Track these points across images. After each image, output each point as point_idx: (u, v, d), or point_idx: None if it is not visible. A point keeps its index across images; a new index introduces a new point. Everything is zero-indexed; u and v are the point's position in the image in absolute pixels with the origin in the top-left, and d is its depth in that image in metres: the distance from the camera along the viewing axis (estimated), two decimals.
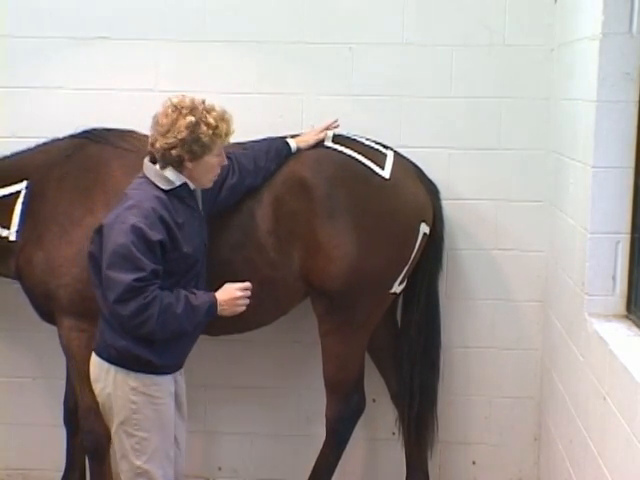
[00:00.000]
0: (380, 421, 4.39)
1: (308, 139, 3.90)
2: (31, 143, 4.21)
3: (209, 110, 3.28)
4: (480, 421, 4.49)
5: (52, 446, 4.47)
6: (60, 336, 3.84)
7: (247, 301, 3.35)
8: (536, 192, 4.29)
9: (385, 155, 3.92)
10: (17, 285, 4.09)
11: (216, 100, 4.23)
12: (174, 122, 3.23)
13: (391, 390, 4.23)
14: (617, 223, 3.38)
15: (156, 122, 3.29)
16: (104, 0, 4.30)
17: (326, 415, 4.04)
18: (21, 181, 3.90)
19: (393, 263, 3.85)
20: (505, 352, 4.43)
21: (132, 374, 3.27)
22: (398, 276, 3.86)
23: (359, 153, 3.83)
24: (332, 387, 3.98)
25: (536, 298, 4.37)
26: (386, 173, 3.84)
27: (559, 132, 4.06)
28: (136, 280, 3.10)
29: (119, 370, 3.28)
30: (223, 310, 3.30)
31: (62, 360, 4.34)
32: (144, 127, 4.03)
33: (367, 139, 3.96)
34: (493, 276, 4.37)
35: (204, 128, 3.24)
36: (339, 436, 4.06)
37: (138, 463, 3.32)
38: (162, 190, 3.28)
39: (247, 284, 3.35)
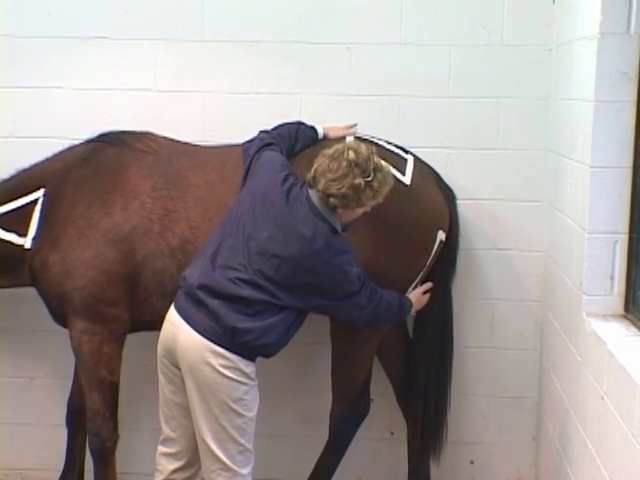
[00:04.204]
0: (378, 421, 4.39)
1: (337, 130, 3.94)
2: (29, 143, 4.24)
3: (377, 169, 3.38)
4: (478, 421, 4.49)
5: (51, 446, 4.47)
6: (71, 338, 3.82)
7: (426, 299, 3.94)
8: (534, 192, 4.29)
9: (406, 160, 3.91)
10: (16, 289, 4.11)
11: (214, 100, 4.30)
12: (343, 176, 3.33)
13: (397, 392, 4.22)
14: (615, 223, 3.38)
15: (328, 162, 3.38)
16: (102, 0, 4.30)
17: (330, 417, 4.04)
18: (38, 189, 3.88)
19: (409, 269, 3.84)
20: (503, 352, 4.43)
21: (246, 362, 3.44)
22: (413, 282, 3.87)
23: (380, 158, 3.81)
24: (339, 389, 3.98)
25: (534, 298, 4.37)
26: (407, 179, 3.83)
27: (557, 132, 4.06)
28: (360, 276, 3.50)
29: (238, 358, 3.41)
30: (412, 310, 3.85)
31: (60, 360, 4.36)
32: (143, 127, 4.08)
33: (388, 142, 3.95)
34: (491, 276, 4.37)
35: (367, 191, 3.36)
36: (342, 438, 4.07)
37: (242, 441, 3.49)
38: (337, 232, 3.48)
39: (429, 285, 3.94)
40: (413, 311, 3.85)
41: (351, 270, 3.44)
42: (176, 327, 3.45)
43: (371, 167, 3.37)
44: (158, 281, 3.77)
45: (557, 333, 3.95)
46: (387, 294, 3.63)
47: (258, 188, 3.51)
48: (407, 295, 3.82)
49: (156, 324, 3.65)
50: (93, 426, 3.86)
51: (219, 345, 3.39)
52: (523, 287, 4.38)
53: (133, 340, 3.96)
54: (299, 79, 4.29)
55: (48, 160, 3.99)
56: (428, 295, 3.94)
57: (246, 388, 3.44)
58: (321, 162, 3.41)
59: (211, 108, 4.32)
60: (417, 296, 3.87)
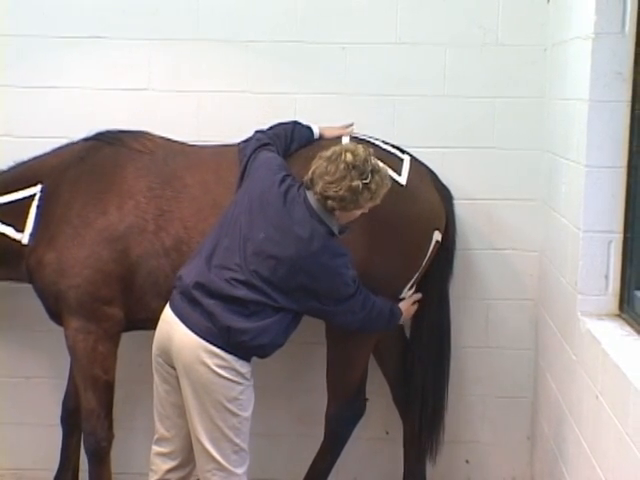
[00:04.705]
0: (374, 420, 4.39)
1: (333, 129, 3.95)
2: (25, 142, 4.23)
3: (374, 171, 3.39)
4: (473, 420, 4.50)
5: (46, 446, 4.46)
6: (66, 337, 3.83)
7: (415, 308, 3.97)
8: (529, 191, 4.29)
9: (402, 160, 3.90)
10: (11, 285, 4.10)
11: (210, 99, 4.30)
12: (341, 179, 3.34)
13: (394, 392, 4.22)
14: (610, 222, 3.39)
15: (326, 164, 3.38)
16: (98, 0, 4.29)
17: (326, 417, 4.03)
18: (36, 184, 3.89)
19: (404, 270, 3.84)
20: (498, 351, 4.43)
21: (242, 362, 3.44)
22: (408, 283, 3.86)
23: (376, 158, 3.79)
24: (335, 390, 3.98)
25: (529, 297, 4.38)
26: (402, 179, 3.82)
27: (552, 131, 4.07)
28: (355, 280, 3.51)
29: (234, 358, 3.41)
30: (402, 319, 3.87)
31: (56, 360, 4.36)
32: (138, 126, 4.08)
33: (384, 142, 3.95)
34: (486, 275, 4.37)
35: (365, 193, 3.37)
36: (338, 438, 4.07)
37: (237, 441, 3.48)
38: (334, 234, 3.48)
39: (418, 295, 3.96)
40: (401, 320, 3.85)
41: (347, 273, 3.45)
42: (171, 326, 3.45)
43: (369, 169, 3.37)
44: (153, 281, 3.77)
45: (552, 332, 3.95)
46: (380, 301, 3.64)
47: (255, 189, 3.51)
48: (398, 304, 3.83)
49: (151, 323, 3.66)
50: (88, 425, 3.86)
51: (214, 345, 3.38)
52: (518, 286, 4.38)
53: (128, 339, 3.96)
54: (294, 79, 4.29)
55: (46, 155, 4.00)
56: (416, 306, 3.95)
57: (241, 388, 3.44)
58: (318, 164, 3.40)
59: (206, 108, 4.32)
60: (406, 306, 3.88)
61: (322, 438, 4.10)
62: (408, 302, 3.90)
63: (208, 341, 3.38)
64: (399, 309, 3.80)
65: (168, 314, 3.48)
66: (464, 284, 4.35)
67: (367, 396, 4.11)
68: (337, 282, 3.44)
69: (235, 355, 3.40)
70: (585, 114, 3.37)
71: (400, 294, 3.86)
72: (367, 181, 3.35)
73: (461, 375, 4.41)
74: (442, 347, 4.14)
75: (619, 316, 3.39)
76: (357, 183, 3.33)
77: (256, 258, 3.39)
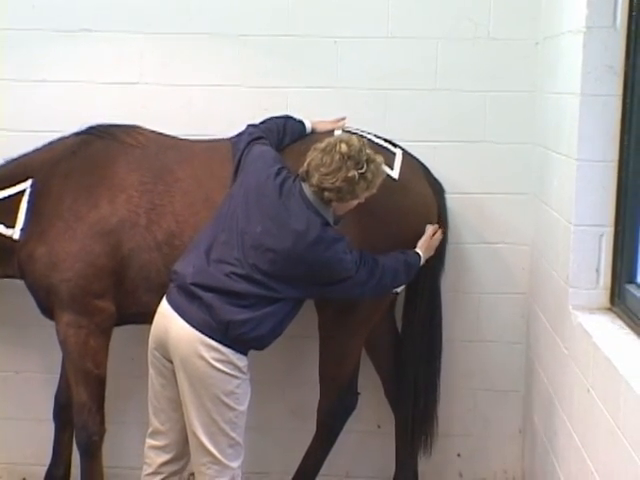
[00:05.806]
0: (365, 414, 4.39)
1: (325, 124, 3.95)
2: (15, 136, 4.22)
3: (369, 161, 3.40)
4: (465, 413, 4.50)
5: (36, 441, 4.46)
6: (58, 331, 3.82)
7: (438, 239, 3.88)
8: (521, 185, 4.30)
9: (394, 154, 3.91)
10: (1, 281, 4.08)
11: (201, 93, 4.29)
12: (337, 170, 3.35)
13: (386, 386, 4.23)
14: (601, 216, 3.39)
15: (321, 155, 3.39)
16: None
17: (318, 410, 4.05)
18: (26, 180, 3.88)
19: None
20: (490, 345, 4.44)
21: (239, 355, 3.44)
22: None
23: None
24: (327, 382, 3.99)
25: (520, 291, 4.38)
26: (395, 173, 3.83)
27: (544, 125, 4.07)
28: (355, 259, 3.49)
29: (231, 351, 3.41)
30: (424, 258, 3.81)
31: (46, 354, 4.35)
32: (129, 120, 4.07)
33: (376, 136, 3.95)
34: (478, 269, 4.38)
35: (361, 183, 3.39)
36: (330, 431, 4.08)
37: (233, 435, 3.49)
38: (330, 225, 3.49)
39: (435, 227, 3.87)
40: (424, 260, 3.78)
41: (345, 257, 3.44)
42: (168, 320, 3.45)
43: (364, 159, 3.38)
44: (145, 275, 3.77)
45: (543, 326, 3.96)
46: (390, 261, 3.62)
47: (251, 182, 3.51)
48: (416, 248, 3.78)
49: (143, 317, 3.66)
50: (80, 419, 3.86)
51: (212, 338, 3.38)
52: (510, 280, 4.39)
53: (120, 334, 3.95)
54: (286, 73, 4.28)
55: (37, 150, 3.98)
56: (439, 237, 3.88)
57: (238, 382, 3.45)
58: (313, 156, 3.40)
59: (198, 101, 4.31)
60: (426, 243, 3.81)
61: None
62: (427, 237, 3.84)
63: (206, 334, 3.38)
64: (416, 255, 3.75)
65: (165, 307, 3.48)
66: (456, 278, 4.35)
67: (359, 390, 4.11)
68: (338, 268, 3.45)
69: (233, 348, 3.40)
70: (576, 108, 3.37)
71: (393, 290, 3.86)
72: (363, 171, 3.36)
73: (452, 369, 4.41)
74: (433, 341, 4.15)
75: (610, 310, 3.39)
76: (353, 173, 3.34)
77: (254, 251, 3.39)
